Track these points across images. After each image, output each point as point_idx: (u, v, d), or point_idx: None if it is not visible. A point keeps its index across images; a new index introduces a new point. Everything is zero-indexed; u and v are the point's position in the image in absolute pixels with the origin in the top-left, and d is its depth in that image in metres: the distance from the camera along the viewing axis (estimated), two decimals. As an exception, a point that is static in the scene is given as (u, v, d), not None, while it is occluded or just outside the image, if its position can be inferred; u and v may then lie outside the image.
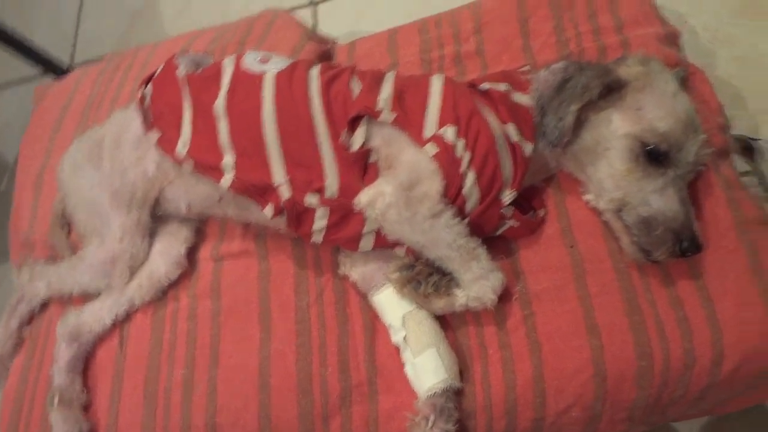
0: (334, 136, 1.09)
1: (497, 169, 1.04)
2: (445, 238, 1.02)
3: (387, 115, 1.07)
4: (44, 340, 1.31)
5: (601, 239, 1.11)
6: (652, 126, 1.01)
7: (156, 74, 1.27)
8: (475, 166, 1.03)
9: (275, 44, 1.50)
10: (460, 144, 1.04)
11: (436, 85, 1.12)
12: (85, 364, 1.26)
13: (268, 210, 1.11)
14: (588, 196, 1.11)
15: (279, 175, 1.10)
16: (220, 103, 1.15)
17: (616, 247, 1.09)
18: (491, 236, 1.11)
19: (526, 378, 1.05)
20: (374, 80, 1.14)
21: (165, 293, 1.27)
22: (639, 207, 1.03)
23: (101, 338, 1.26)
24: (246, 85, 1.16)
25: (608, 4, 1.32)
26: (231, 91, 1.16)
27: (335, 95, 1.12)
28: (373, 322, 1.15)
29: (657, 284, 1.06)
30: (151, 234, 1.26)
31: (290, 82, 1.14)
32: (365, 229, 1.08)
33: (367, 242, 1.10)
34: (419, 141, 1.06)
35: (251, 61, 1.20)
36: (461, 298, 1.05)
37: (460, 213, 1.05)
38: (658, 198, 1.01)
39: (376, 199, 1.03)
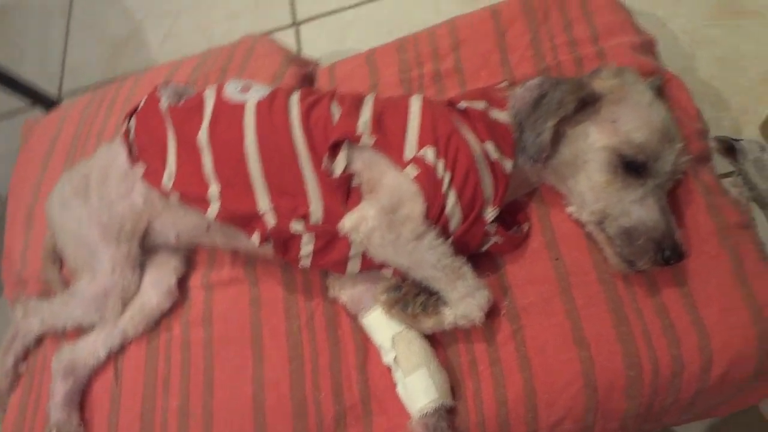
0: (316, 162, 1.10)
1: (478, 188, 1.05)
2: (429, 259, 1.03)
3: (367, 139, 1.08)
4: (40, 376, 1.32)
5: (586, 251, 1.12)
6: (628, 138, 1.02)
7: (139, 107, 1.28)
8: (456, 185, 1.04)
9: (256, 71, 1.51)
10: (440, 164, 1.05)
11: (415, 106, 1.13)
12: (81, 398, 1.26)
13: (255, 238, 1.12)
14: (570, 209, 1.12)
15: (264, 203, 1.11)
16: (203, 135, 1.16)
17: (601, 258, 1.09)
18: (476, 252, 1.12)
19: (517, 393, 1.06)
20: (353, 104, 1.15)
21: (158, 323, 1.27)
22: (620, 218, 1.03)
23: (96, 371, 1.27)
24: (227, 115, 1.17)
25: (583, 15, 1.34)
26: (213, 122, 1.17)
27: (315, 121, 1.13)
28: (365, 343, 1.15)
29: (642, 293, 1.07)
30: (142, 265, 1.27)
31: (270, 110, 1.15)
32: (351, 253, 1.09)
33: (354, 265, 1.11)
34: (400, 163, 1.07)
35: (232, 91, 1.22)
36: (449, 316, 1.06)
37: (444, 233, 1.06)
38: (639, 208, 1.02)
39: (359, 223, 1.04)
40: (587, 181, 1.06)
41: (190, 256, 1.32)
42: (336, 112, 1.15)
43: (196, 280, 1.29)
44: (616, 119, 1.04)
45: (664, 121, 1.05)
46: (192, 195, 1.16)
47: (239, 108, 1.18)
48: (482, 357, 1.09)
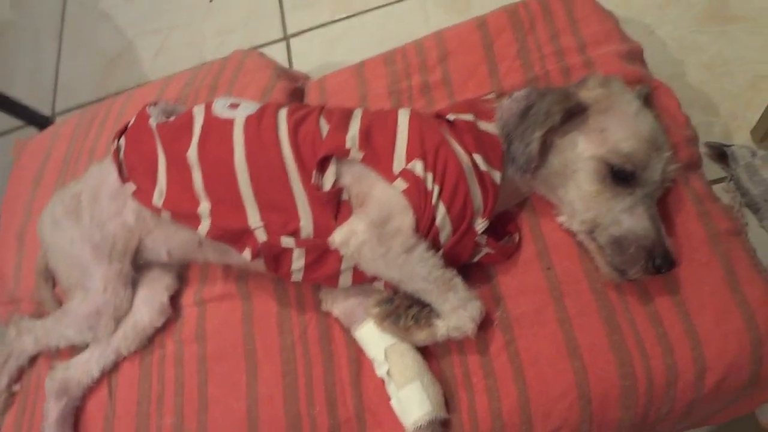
0: (306, 177, 1.10)
1: (467, 199, 1.05)
2: (420, 272, 1.03)
3: (356, 154, 1.09)
4: (34, 396, 1.31)
5: (577, 260, 1.12)
6: (616, 147, 1.02)
7: (129, 126, 1.28)
8: (445, 197, 1.04)
9: (246, 85, 1.52)
10: (429, 177, 1.05)
11: (403, 120, 1.14)
12: (75, 417, 1.26)
13: (246, 254, 1.12)
14: (561, 218, 1.12)
15: (254, 219, 1.11)
16: (192, 152, 1.16)
17: (593, 267, 1.09)
18: (468, 264, 1.12)
19: (512, 404, 1.05)
20: (342, 118, 1.16)
21: (151, 340, 1.27)
22: (610, 227, 1.04)
23: (90, 390, 1.26)
24: (217, 132, 1.17)
25: (570, 25, 1.34)
26: (202, 140, 1.17)
27: (304, 136, 1.14)
28: (359, 356, 1.15)
29: (635, 302, 1.07)
30: (134, 283, 1.27)
31: (259, 126, 1.16)
32: (343, 266, 1.09)
33: (346, 279, 1.11)
34: (389, 177, 1.07)
35: (221, 108, 1.22)
36: (441, 328, 1.06)
37: (435, 245, 1.06)
38: (628, 217, 1.02)
39: (349, 237, 1.04)
40: (577, 190, 1.06)
41: (182, 273, 1.32)
42: (324, 126, 1.15)
43: (188, 297, 1.29)
44: (603, 129, 1.05)
45: (651, 129, 1.05)
46: (183, 212, 1.16)
47: (228, 125, 1.18)
48: (476, 369, 1.09)
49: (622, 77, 1.15)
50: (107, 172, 1.27)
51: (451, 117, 1.15)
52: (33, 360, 1.35)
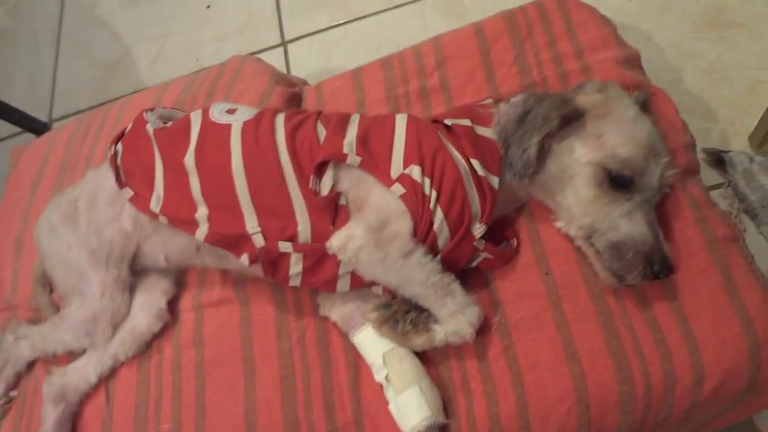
0: (303, 182, 1.10)
1: (465, 204, 1.05)
2: (417, 277, 1.03)
3: (353, 159, 1.09)
4: (32, 402, 1.30)
5: (575, 265, 1.12)
6: (613, 153, 1.03)
7: (126, 131, 1.28)
8: (443, 203, 1.04)
9: (243, 92, 1.52)
10: (427, 182, 1.05)
11: (400, 125, 1.14)
12: (72, 423, 1.25)
13: (244, 259, 1.12)
14: (559, 224, 1.12)
15: (252, 224, 1.11)
16: (189, 158, 1.16)
17: (591, 272, 1.09)
18: (466, 269, 1.12)
19: (510, 409, 1.05)
20: (339, 124, 1.16)
21: (149, 346, 1.27)
22: (608, 232, 1.04)
23: (87, 396, 1.26)
24: (214, 138, 1.17)
25: (567, 31, 1.35)
26: (200, 145, 1.17)
27: (301, 142, 1.14)
28: (357, 361, 1.15)
29: (633, 307, 1.07)
30: (131, 288, 1.26)
31: (256, 131, 1.16)
32: (341, 271, 1.09)
33: (344, 284, 1.11)
34: (386, 182, 1.07)
35: (218, 113, 1.22)
36: (440, 333, 1.06)
37: (432, 250, 1.06)
38: (626, 223, 1.03)
39: (347, 242, 1.04)
40: (574, 195, 1.06)
41: (180, 278, 1.31)
42: (322, 132, 1.16)
43: (186, 302, 1.29)
44: (601, 134, 1.05)
45: (649, 135, 1.06)
46: (180, 218, 1.16)
47: (225, 130, 1.18)
48: (474, 374, 1.09)
49: (620, 83, 1.16)
50: (104, 177, 1.27)
51: (448, 122, 1.15)
52: (30, 366, 1.34)
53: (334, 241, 1.05)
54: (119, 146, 1.27)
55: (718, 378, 1.02)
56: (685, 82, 1.74)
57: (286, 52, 2.29)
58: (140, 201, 1.19)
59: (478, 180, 1.08)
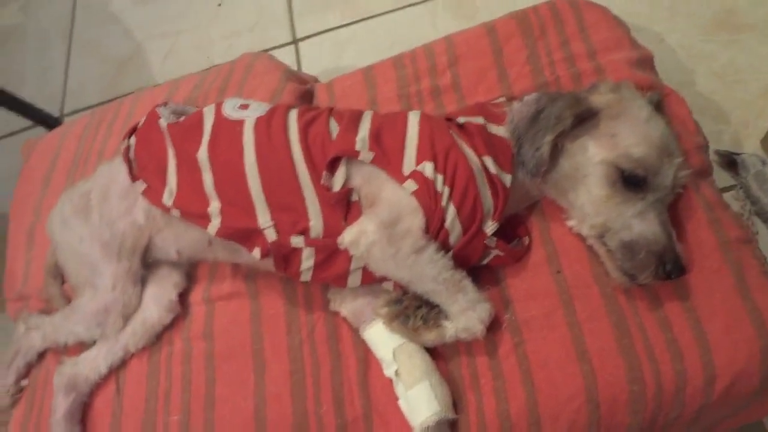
0: (316, 178, 1.11)
1: (477, 201, 1.06)
2: (429, 273, 1.04)
3: (365, 155, 1.09)
4: (42, 391, 1.31)
5: (587, 264, 1.12)
6: (627, 152, 1.03)
7: (139, 126, 1.29)
8: (455, 199, 1.05)
9: (255, 88, 1.52)
10: (439, 179, 1.05)
11: (413, 122, 1.14)
12: (83, 413, 1.26)
13: (256, 253, 1.12)
14: (571, 222, 1.12)
15: (264, 219, 1.12)
16: (202, 152, 1.17)
17: (602, 271, 1.09)
18: (477, 266, 1.12)
19: (520, 407, 1.05)
20: (352, 120, 1.16)
21: (159, 338, 1.27)
22: (621, 232, 1.04)
23: (98, 386, 1.27)
24: (227, 133, 1.18)
25: (579, 32, 1.35)
26: (213, 140, 1.18)
27: (314, 138, 1.14)
28: (367, 356, 1.15)
29: (645, 307, 1.07)
30: (143, 281, 1.27)
31: (269, 127, 1.16)
32: (352, 267, 1.09)
33: (355, 279, 1.11)
34: (399, 178, 1.07)
35: (231, 109, 1.23)
36: (450, 329, 1.06)
37: (444, 246, 1.06)
38: (639, 222, 1.02)
39: (359, 237, 1.05)
40: (587, 194, 1.06)
41: (190, 271, 1.32)
42: (334, 128, 1.16)
43: (197, 295, 1.30)
44: (614, 134, 1.05)
45: (663, 135, 1.06)
46: (193, 212, 1.16)
47: (238, 126, 1.18)
48: (484, 371, 1.09)
49: (633, 84, 1.15)
50: (117, 171, 1.28)
51: (461, 120, 1.15)
52: (41, 356, 1.35)
53: (347, 236, 1.06)
54: (132, 140, 1.28)
55: (729, 379, 1.02)
56: (697, 84, 1.74)
57: (297, 50, 2.30)
58: (153, 194, 1.20)
59: (490, 177, 1.08)
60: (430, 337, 1.07)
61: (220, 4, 2.57)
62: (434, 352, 1.11)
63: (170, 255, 1.26)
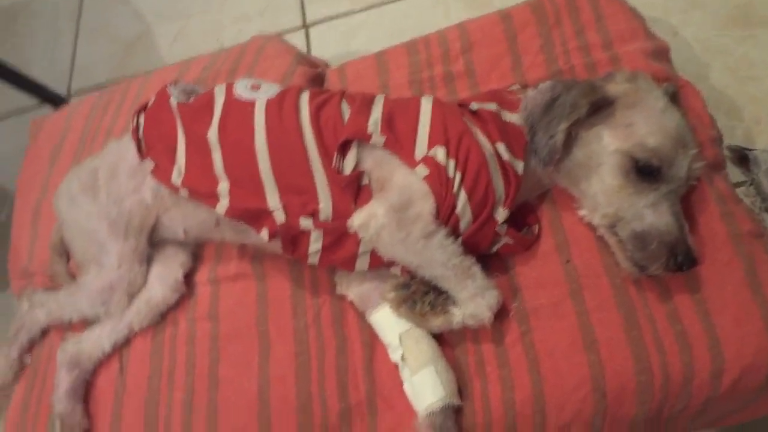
0: (326, 161, 1.10)
1: (489, 188, 1.05)
2: (439, 258, 1.03)
3: (377, 138, 1.08)
4: (45, 367, 1.31)
5: (597, 254, 1.11)
6: (642, 142, 1.02)
7: (149, 104, 1.28)
8: (467, 185, 1.04)
9: (266, 70, 1.51)
10: (451, 164, 1.04)
11: (426, 107, 1.13)
12: (85, 390, 1.26)
13: (264, 234, 1.11)
14: (582, 212, 1.10)
15: (273, 200, 1.11)
16: (213, 132, 1.16)
17: (612, 262, 1.08)
18: (486, 253, 1.12)
19: (526, 395, 1.05)
20: (364, 103, 1.15)
21: (164, 317, 1.27)
22: (632, 222, 1.03)
23: (101, 364, 1.26)
24: (237, 113, 1.17)
25: (595, 21, 1.34)
26: (223, 121, 1.17)
27: (326, 121, 1.13)
28: (372, 340, 1.15)
29: (654, 299, 1.06)
30: (149, 259, 1.27)
31: (280, 109, 1.15)
32: (360, 250, 1.09)
33: (363, 263, 1.10)
34: (410, 163, 1.07)
35: (242, 89, 1.22)
36: (458, 316, 1.05)
37: (454, 232, 1.06)
38: (651, 213, 1.01)
39: (369, 220, 1.04)
40: (600, 184, 1.05)
41: (197, 251, 1.32)
42: (346, 111, 1.15)
43: (202, 275, 1.29)
44: (630, 123, 1.04)
45: (678, 126, 1.04)
46: (202, 191, 1.16)
47: (249, 106, 1.18)
48: (490, 358, 1.09)
49: (649, 75, 1.14)
50: (126, 149, 1.27)
51: (474, 106, 1.14)
52: (45, 333, 1.35)
53: (356, 219, 1.05)
54: (141, 118, 1.27)
55: (737, 372, 1.01)
56: (711, 78, 1.72)
57: (307, 35, 2.28)
58: (161, 173, 1.19)
59: (502, 164, 1.07)
60: (437, 322, 1.07)
61: (229, -12, 2.56)
62: (440, 339, 1.10)
63: (177, 234, 1.26)
